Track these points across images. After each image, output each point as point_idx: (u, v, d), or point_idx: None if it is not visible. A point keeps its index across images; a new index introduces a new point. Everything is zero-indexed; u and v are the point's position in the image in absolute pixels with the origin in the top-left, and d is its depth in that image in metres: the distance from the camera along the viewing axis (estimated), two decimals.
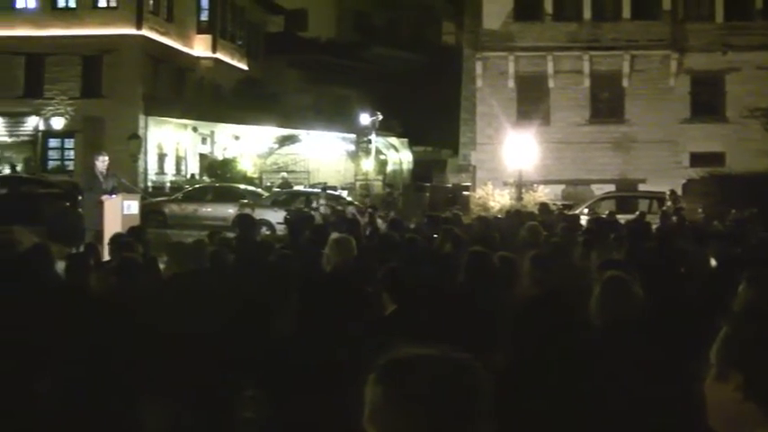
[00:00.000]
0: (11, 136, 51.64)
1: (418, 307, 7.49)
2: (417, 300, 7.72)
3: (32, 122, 51.59)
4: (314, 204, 32.00)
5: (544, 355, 6.10)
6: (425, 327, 6.67)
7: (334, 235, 10.26)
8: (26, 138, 51.69)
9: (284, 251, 10.81)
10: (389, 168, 60.58)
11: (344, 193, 42.89)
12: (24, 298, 8.00)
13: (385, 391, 2.37)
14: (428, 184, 52.85)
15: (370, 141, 55.20)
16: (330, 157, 57.56)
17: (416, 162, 61.02)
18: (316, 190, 38.83)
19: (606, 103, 43.66)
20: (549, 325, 6.53)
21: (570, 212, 26.47)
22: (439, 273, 9.78)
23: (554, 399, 5.62)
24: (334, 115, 56.54)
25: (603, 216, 23.29)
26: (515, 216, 21.16)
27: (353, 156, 57.35)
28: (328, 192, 38.97)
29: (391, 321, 7.23)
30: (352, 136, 56.86)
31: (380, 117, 53.22)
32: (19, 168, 47.04)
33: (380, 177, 57.05)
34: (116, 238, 11.87)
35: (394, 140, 60.28)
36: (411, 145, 60.96)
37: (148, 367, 7.18)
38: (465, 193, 43.91)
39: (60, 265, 9.59)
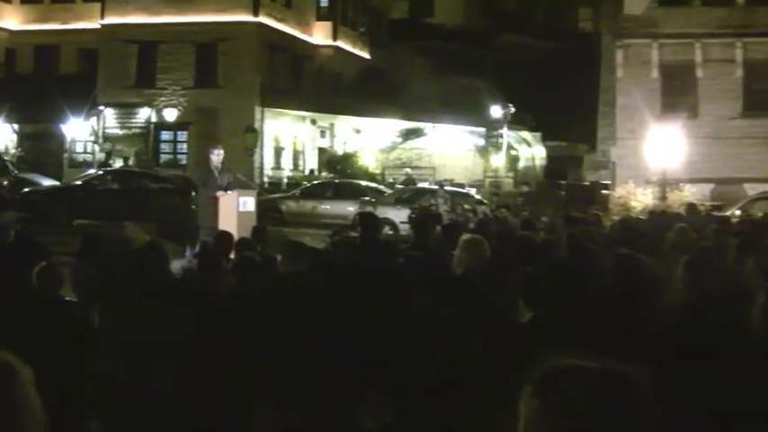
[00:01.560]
0: (122, 128, 52.67)
1: (558, 314, 7.38)
2: (557, 306, 7.60)
3: (144, 114, 52.56)
4: (432, 201, 32.06)
5: (701, 365, 5.97)
6: (568, 335, 6.57)
7: (466, 236, 10.21)
8: (138, 130, 52.67)
9: (412, 252, 10.81)
10: (521, 164, 60.25)
11: (473, 191, 42.76)
12: (140, 295, 8.17)
13: (542, 405, 2.34)
14: (563, 182, 52.40)
15: (501, 135, 54.93)
16: (457, 152, 57.53)
17: (550, 158, 60.56)
18: (433, 187, 38.83)
19: (761, 95, 42.55)
20: (706, 334, 6.39)
21: (720, 214, 25.97)
22: (578, 277, 9.65)
23: (713, 411, 5.51)
24: (462, 107, 56.25)
25: (758, 218, 22.81)
26: (660, 217, 20.90)
27: (483, 151, 57.14)
28: (455, 189, 38.95)
29: (529, 329, 7.15)
30: (482, 130, 56.63)
31: (513, 109, 52.95)
32: (131, 162, 47.98)
33: (511, 174, 56.76)
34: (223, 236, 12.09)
35: (526, 134, 59.93)
36: (544, 139, 60.52)
37: (265, 370, 7.25)
38: (604, 191, 43.35)
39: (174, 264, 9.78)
